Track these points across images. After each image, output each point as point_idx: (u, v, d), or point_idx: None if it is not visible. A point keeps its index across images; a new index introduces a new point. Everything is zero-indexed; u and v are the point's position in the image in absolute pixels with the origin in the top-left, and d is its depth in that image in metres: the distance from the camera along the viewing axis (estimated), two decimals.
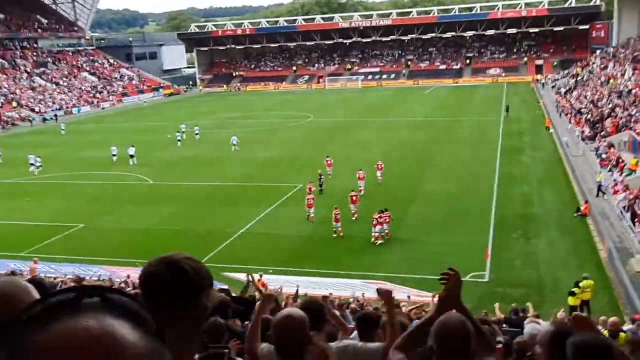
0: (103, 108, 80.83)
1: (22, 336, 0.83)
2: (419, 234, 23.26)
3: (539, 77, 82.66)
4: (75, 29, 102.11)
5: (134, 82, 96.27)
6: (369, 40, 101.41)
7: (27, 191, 33.71)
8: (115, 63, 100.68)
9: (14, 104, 72.34)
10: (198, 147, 44.73)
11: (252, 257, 21.49)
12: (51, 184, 35.28)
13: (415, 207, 26.43)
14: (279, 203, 28.16)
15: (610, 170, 27.62)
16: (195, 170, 36.92)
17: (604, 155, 30.16)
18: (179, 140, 46.21)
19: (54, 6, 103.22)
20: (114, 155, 40.39)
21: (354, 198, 25.36)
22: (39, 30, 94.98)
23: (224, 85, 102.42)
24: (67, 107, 76.87)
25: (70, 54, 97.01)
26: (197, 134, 48.35)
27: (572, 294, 15.52)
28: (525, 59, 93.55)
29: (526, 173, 31.38)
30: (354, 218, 25.03)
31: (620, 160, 27.91)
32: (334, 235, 23.28)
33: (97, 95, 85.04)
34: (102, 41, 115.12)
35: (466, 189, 28.68)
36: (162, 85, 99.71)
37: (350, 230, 23.74)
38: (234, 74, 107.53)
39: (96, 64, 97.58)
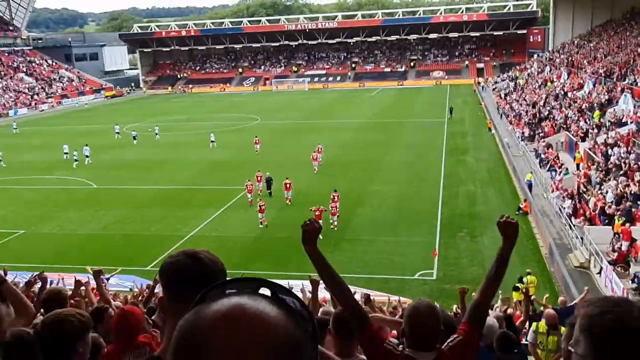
0: (42, 110, 78.11)
1: (200, 307, 1.07)
2: (367, 234, 23.59)
3: (480, 79, 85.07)
4: (11, 28, 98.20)
5: (74, 83, 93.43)
6: (314, 42, 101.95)
7: None
8: (54, 64, 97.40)
9: None
10: (143, 150, 43.88)
11: None
12: None
13: (363, 208, 26.77)
14: (227, 206, 27.98)
15: (549, 170, 28.79)
16: (141, 173, 36.22)
17: (542, 156, 31.39)
18: (134, 138, 46.84)
19: None
20: (66, 153, 40.59)
21: (288, 185, 27.55)
22: None
23: (169, 87, 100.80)
24: (2, 109, 73.79)
25: (6, 54, 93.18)
26: (156, 134, 48.69)
27: (516, 289, 16.08)
28: (467, 62, 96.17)
29: (470, 173, 32.29)
30: (288, 203, 27.23)
31: (559, 160, 29.16)
32: (260, 226, 24.59)
33: (35, 97, 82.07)
34: (39, 41, 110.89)
35: (413, 189, 29.26)
36: (103, 86, 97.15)
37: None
38: (178, 76, 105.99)
39: (33, 64, 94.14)
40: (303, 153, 39.87)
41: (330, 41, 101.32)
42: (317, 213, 22.87)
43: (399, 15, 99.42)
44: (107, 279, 11.89)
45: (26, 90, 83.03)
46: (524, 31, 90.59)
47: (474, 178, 31.11)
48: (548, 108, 41.87)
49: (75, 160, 38.73)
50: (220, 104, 76.84)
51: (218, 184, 32.28)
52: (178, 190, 31.70)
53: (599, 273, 17.63)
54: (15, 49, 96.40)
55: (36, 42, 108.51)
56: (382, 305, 12.34)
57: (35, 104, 79.64)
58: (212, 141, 43.59)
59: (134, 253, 22.68)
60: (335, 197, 24.91)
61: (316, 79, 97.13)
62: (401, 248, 21.86)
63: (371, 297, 8.62)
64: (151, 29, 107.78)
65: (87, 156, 39.50)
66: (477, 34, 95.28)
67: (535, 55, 75.79)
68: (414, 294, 16.45)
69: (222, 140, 47.00)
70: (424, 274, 19.44)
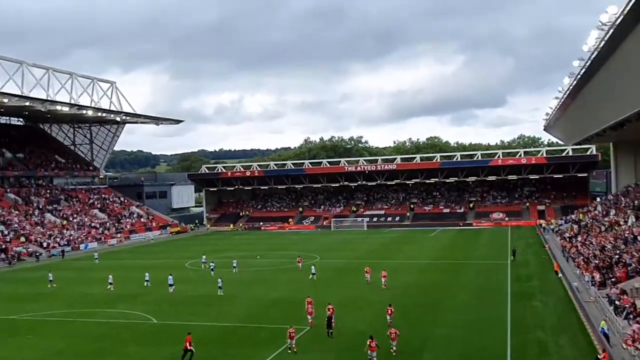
0: (111, 244, 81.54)
1: None
2: None
3: (542, 221, 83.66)
4: (91, 168, 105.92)
5: (142, 219, 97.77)
6: (374, 183, 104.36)
7: (28, 328, 32.96)
8: (125, 201, 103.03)
9: (22, 239, 72.98)
10: (203, 286, 44.41)
11: None
12: (52, 322, 34.54)
13: (427, 355, 25.53)
14: (285, 346, 27.29)
15: (626, 318, 27.05)
16: (201, 309, 36.35)
17: (617, 302, 29.67)
18: (212, 269, 50.37)
19: (72, 147, 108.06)
20: (147, 280, 45.35)
21: (331, 310, 29.37)
22: (56, 169, 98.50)
23: (231, 225, 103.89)
24: (74, 243, 77.35)
25: (84, 191, 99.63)
26: (234, 267, 51.36)
27: None
28: (527, 204, 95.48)
29: (539, 319, 30.67)
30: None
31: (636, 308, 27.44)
32: (289, 351, 25.49)
33: (105, 231, 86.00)
34: (114, 180, 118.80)
35: (479, 334, 27.90)
36: (169, 223, 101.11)
37: None
38: (240, 214, 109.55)
39: (107, 201, 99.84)
40: (361, 292, 39.55)
41: (389, 182, 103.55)
42: (372, 345, 23.30)
43: (457, 159, 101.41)
44: None
45: (97, 225, 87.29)
46: (585, 174, 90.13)
47: (543, 324, 29.47)
48: (618, 252, 40.27)
49: (171, 285, 42.59)
50: (280, 241, 78.11)
51: (276, 323, 31.80)
52: (235, 327, 31.41)
53: None
54: (93, 187, 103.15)
55: (112, 180, 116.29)
56: None
57: (105, 238, 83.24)
58: (313, 273, 45.99)
59: None
60: (389, 311, 29.54)
61: (375, 218, 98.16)
62: None
63: None
64: (218, 170, 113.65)
65: (170, 285, 42.49)
66: (537, 176, 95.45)
67: (598, 198, 74.53)
68: None
69: (282, 277, 47.35)
70: None
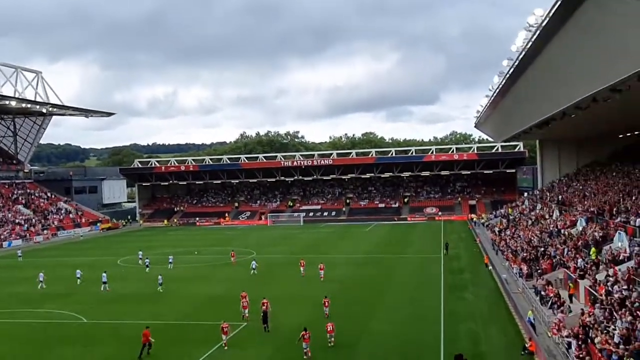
0: (37, 242, 78.08)
1: None
2: None
3: (473, 216, 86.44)
4: (14, 162, 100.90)
5: (71, 215, 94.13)
6: (310, 178, 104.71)
7: None
8: (53, 196, 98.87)
9: None
10: (137, 283, 43.27)
11: None
12: None
13: (362, 347, 25.84)
14: (222, 342, 26.96)
15: (551, 308, 28.32)
16: (133, 307, 35.35)
17: (542, 293, 31.03)
18: (147, 266, 49.51)
19: None
20: (79, 277, 44.26)
21: (265, 305, 29.27)
22: None
23: (165, 220, 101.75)
24: None
25: (6, 186, 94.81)
26: (170, 263, 50.25)
27: None
28: (459, 198, 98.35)
29: (471, 310, 31.65)
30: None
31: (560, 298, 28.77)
32: (225, 347, 25.58)
33: (31, 228, 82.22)
34: (41, 174, 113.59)
35: (413, 327, 28.51)
36: (100, 219, 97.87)
37: None
38: (175, 209, 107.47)
39: (32, 196, 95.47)
40: (298, 287, 39.65)
41: (325, 177, 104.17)
42: (305, 337, 23.61)
43: (392, 154, 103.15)
44: None
45: (22, 222, 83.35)
46: (513, 170, 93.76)
47: (474, 316, 30.45)
48: (543, 245, 42.13)
49: (105, 283, 41.25)
50: (216, 237, 77.12)
51: (212, 320, 31.34)
52: (170, 325, 30.74)
53: None
54: (17, 181, 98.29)
55: (38, 175, 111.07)
56: None
57: (30, 235, 79.60)
58: (253, 268, 45.71)
59: None
60: (326, 303, 30.28)
61: (311, 213, 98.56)
62: None
63: None
64: (151, 164, 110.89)
65: (104, 282, 41.10)
66: (468, 172, 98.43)
67: (526, 193, 77.75)
68: None
69: (218, 274, 46.77)
70: None
